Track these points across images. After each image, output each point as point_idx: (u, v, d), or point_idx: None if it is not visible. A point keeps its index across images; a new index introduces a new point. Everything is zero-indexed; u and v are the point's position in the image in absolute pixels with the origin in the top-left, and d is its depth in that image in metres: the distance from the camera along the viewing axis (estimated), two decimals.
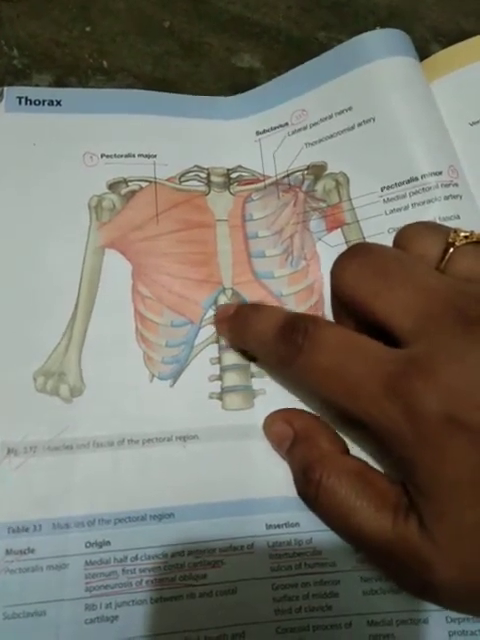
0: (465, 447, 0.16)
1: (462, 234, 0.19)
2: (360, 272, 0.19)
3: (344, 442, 0.21)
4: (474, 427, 0.16)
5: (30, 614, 0.20)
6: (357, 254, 0.20)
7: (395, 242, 0.21)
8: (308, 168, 0.27)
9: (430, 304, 0.18)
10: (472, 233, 0.19)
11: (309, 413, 0.22)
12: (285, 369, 0.21)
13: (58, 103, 0.28)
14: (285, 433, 0.21)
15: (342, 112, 0.27)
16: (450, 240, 0.19)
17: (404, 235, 0.21)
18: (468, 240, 0.19)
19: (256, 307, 0.23)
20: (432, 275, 0.19)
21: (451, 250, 0.19)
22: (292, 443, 0.21)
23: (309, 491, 0.20)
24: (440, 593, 0.17)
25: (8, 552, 0.21)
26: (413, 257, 0.20)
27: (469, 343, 0.16)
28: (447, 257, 0.19)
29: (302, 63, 0.29)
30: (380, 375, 0.17)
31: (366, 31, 0.28)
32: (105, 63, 0.31)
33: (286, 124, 0.28)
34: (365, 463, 0.20)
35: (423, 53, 0.29)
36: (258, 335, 0.22)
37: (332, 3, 0.33)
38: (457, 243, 0.19)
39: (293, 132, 0.28)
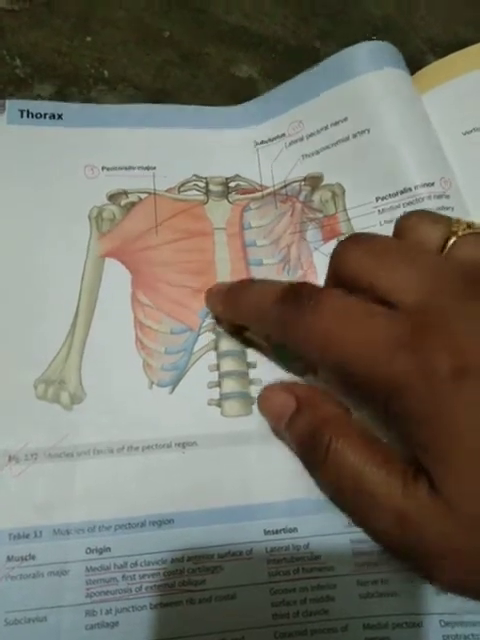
0: (478, 398, 0.15)
1: (465, 223, 0.19)
2: (363, 254, 0.19)
3: (348, 407, 0.20)
4: None
5: (31, 620, 0.20)
6: (359, 239, 0.20)
7: (396, 230, 0.21)
8: (305, 179, 0.28)
9: (435, 277, 0.17)
10: (473, 223, 0.19)
11: (308, 384, 0.22)
12: (287, 334, 0.20)
13: (59, 117, 0.28)
14: (287, 402, 0.21)
15: (337, 123, 0.28)
16: (453, 229, 0.19)
17: (405, 223, 0.20)
18: (471, 231, 0.19)
19: (253, 279, 0.23)
20: (436, 256, 0.19)
21: (453, 239, 0.19)
22: (295, 412, 0.20)
23: (317, 456, 0.19)
24: (451, 562, 0.16)
25: (9, 559, 0.21)
26: (414, 243, 0.19)
27: (477, 301, 0.16)
28: (449, 245, 0.19)
29: (300, 72, 0.29)
30: (389, 333, 0.17)
31: (363, 41, 0.28)
32: (106, 73, 0.31)
33: (283, 135, 0.29)
34: (370, 428, 0.19)
35: (419, 63, 0.30)
36: (256, 304, 0.21)
37: (328, 13, 0.34)
38: (460, 232, 0.19)
39: (290, 143, 0.29)
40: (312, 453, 0.19)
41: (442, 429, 0.16)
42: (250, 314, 0.22)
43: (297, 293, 0.19)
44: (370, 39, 0.32)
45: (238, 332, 0.25)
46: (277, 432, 0.23)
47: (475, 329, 0.16)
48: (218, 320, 0.25)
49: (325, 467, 0.19)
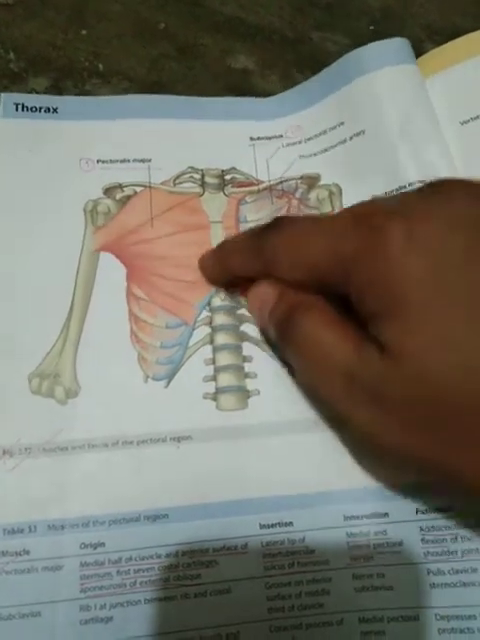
0: (425, 263, 0.17)
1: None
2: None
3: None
4: (433, 244, 0.17)
5: (25, 615, 0.20)
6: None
7: None
8: (302, 178, 0.28)
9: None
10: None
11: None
12: (263, 258, 0.21)
13: (54, 110, 0.28)
14: (269, 292, 0.22)
15: (335, 127, 0.28)
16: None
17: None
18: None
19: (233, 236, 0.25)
20: None
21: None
22: (275, 301, 0.22)
23: (289, 333, 0.20)
24: (397, 417, 0.17)
25: (3, 554, 0.21)
26: None
27: (427, 198, 0.18)
28: None
29: (296, 63, 0.29)
30: (345, 219, 0.19)
31: (359, 31, 0.28)
32: (101, 66, 0.31)
33: (281, 136, 0.29)
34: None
35: (418, 53, 0.29)
36: (237, 248, 0.23)
37: (325, 3, 0.33)
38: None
39: (287, 145, 0.29)
40: (285, 332, 0.21)
41: (391, 292, 0.17)
42: (235, 261, 0.23)
43: (268, 224, 0.22)
44: (368, 29, 0.32)
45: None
46: (264, 331, 0.24)
47: (423, 214, 0.18)
48: (215, 307, 0.25)
49: (294, 342, 0.20)
